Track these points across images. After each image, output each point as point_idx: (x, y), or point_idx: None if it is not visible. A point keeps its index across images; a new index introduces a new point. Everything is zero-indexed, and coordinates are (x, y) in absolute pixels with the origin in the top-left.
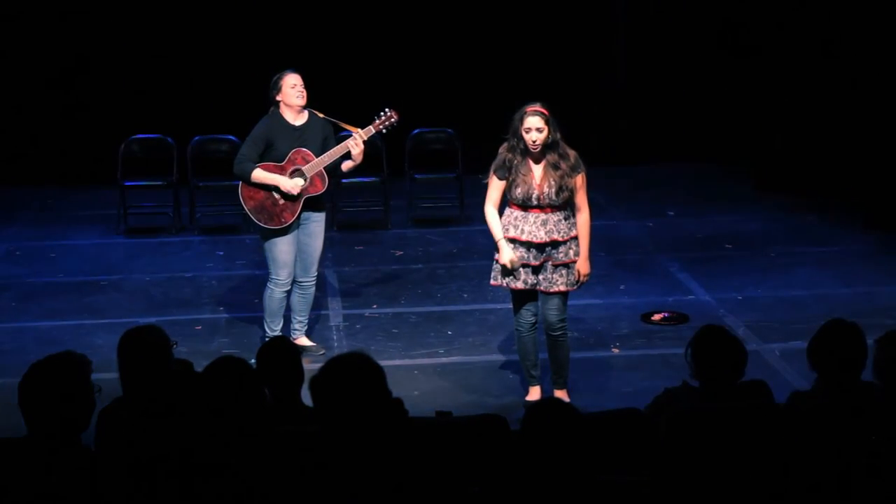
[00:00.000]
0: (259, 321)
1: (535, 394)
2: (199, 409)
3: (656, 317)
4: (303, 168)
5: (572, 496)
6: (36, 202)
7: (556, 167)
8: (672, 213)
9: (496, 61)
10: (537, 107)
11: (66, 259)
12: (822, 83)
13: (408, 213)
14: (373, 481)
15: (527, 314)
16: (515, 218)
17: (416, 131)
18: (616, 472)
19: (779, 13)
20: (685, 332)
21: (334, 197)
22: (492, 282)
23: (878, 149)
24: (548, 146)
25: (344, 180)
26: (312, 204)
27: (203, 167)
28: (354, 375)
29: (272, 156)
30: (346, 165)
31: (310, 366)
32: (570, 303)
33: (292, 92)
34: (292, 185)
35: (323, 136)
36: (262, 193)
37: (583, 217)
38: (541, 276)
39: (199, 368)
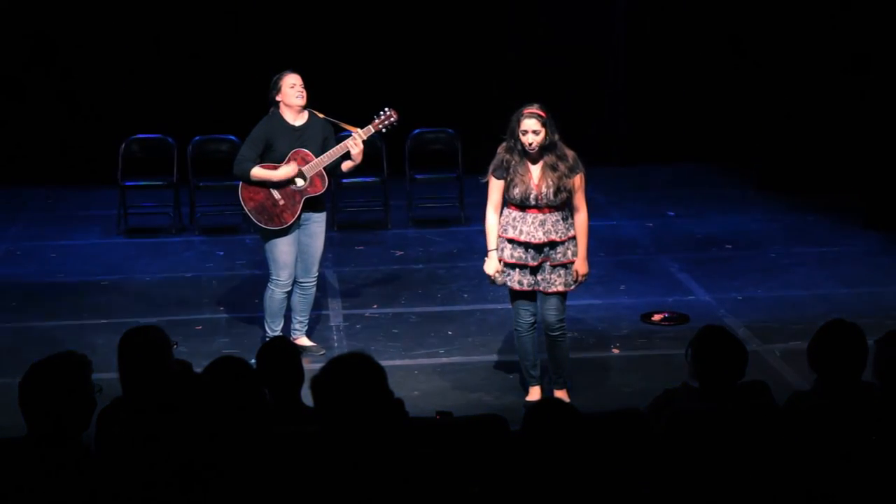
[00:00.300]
0: (259, 321)
1: (535, 394)
2: (199, 409)
3: (656, 317)
4: (302, 168)
5: (572, 496)
6: (36, 202)
7: (554, 168)
8: (672, 213)
9: (496, 61)
10: (534, 108)
11: (66, 259)
12: (822, 83)
13: (408, 214)
14: (373, 482)
15: (525, 314)
16: (514, 218)
17: (416, 131)
18: (616, 472)
19: (780, 13)
20: (685, 333)
21: (335, 197)
22: (489, 282)
23: (879, 149)
24: (546, 147)
25: (344, 180)
26: (313, 204)
27: (203, 167)
28: (355, 376)
29: (272, 156)
30: (346, 165)
31: (310, 366)
32: (570, 303)
33: (292, 92)
34: (290, 168)
35: (323, 136)
36: (262, 194)
37: (581, 217)
38: (539, 277)
39: (199, 368)
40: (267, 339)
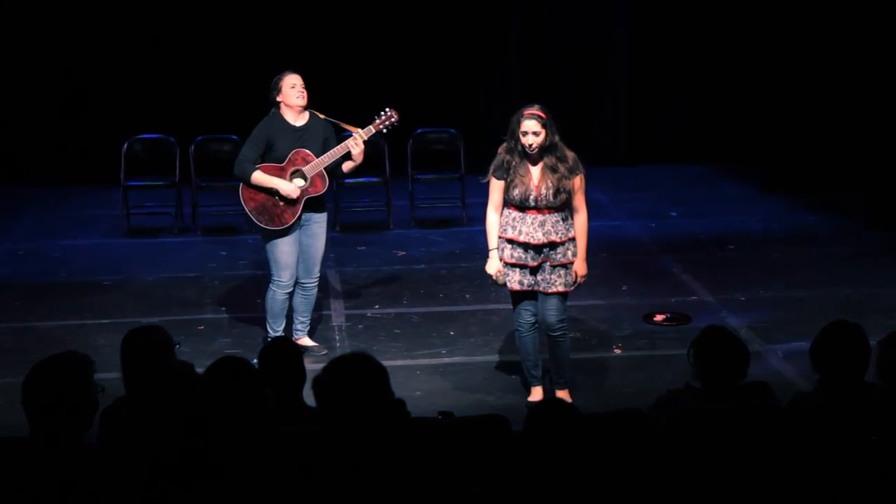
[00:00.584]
0: (261, 321)
1: (536, 394)
2: (201, 409)
3: (658, 317)
4: (303, 169)
5: (574, 497)
6: (39, 202)
7: (554, 169)
8: (674, 213)
9: (497, 61)
10: (534, 110)
11: (68, 259)
12: (824, 84)
13: (410, 214)
14: (375, 482)
15: (526, 314)
16: (513, 219)
17: (418, 131)
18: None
19: (781, 13)
20: (687, 333)
21: (336, 197)
22: (491, 282)
23: (881, 149)
24: (546, 148)
25: (346, 181)
26: (314, 205)
27: (205, 167)
28: (357, 376)
29: (272, 156)
30: (347, 166)
31: (312, 366)
32: (572, 303)
33: (292, 92)
34: (291, 188)
35: (324, 136)
36: (263, 195)
37: (581, 218)
38: (539, 277)
39: (201, 368)
40: (269, 339)
